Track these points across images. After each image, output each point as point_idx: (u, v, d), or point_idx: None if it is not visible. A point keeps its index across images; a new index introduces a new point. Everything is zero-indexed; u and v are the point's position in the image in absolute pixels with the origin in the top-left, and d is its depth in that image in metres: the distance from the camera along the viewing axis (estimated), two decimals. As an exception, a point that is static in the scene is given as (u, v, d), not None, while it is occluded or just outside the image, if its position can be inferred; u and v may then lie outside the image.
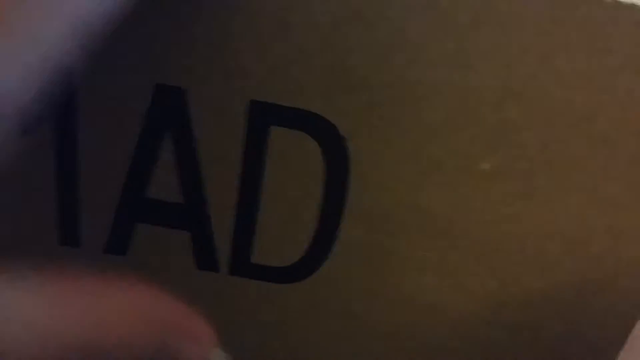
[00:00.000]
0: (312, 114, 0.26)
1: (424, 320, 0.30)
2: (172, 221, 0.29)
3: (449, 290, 0.30)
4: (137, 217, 0.29)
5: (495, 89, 0.25)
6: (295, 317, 0.31)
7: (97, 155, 0.28)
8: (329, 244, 0.29)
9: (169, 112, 0.26)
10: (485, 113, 0.26)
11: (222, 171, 0.28)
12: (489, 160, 0.26)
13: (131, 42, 0.25)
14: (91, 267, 0.30)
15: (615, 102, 0.25)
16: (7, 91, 0.17)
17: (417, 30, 0.24)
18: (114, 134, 0.27)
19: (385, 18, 0.24)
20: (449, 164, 0.27)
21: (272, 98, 0.26)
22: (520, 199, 0.27)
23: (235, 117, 0.26)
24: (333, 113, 0.26)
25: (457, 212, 0.28)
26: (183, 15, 0.25)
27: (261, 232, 0.29)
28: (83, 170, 0.28)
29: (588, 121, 0.25)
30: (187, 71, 0.25)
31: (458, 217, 0.28)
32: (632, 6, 0.23)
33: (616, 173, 0.26)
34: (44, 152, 0.28)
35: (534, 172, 0.26)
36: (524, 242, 0.28)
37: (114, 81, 0.26)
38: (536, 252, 0.28)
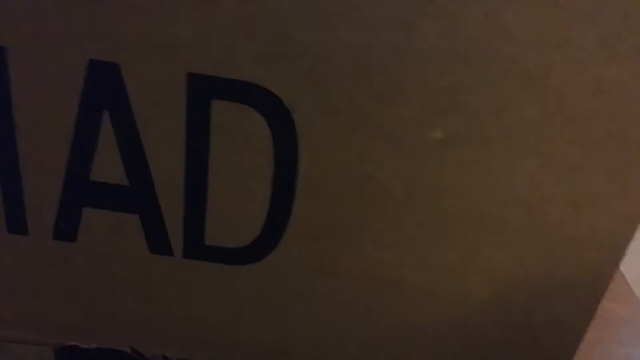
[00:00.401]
0: (253, 86, 0.25)
1: (386, 298, 0.29)
2: (119, 204, 0.28)
3: (409, 265, 0.28)
4: (83, 202, 0.28)
5: (441, 51, 0.24)
6: (253, 299, 0.30)
7: (36, 137, 0.27)
8: (283, 222, 0.28)
9: (105, 90, 0.25)
10: (432, 77, 0.24)
11: (166, 150, 0.27)
12: (441, 127, 0.25)
13: (61, 17, 0.24)
14: (40, 254, 0.30)
15: (568, 59, 0.23)
16: None
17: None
18: (50, 116, 0.26)
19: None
20: (400, 134, 0.26)
21: (210, 70, 0.25)
22: (476, 167, 0.26)
23: (174, 91, 0.25)
24: (275, 84, 0.25)
25: (412, 184, 0.27)
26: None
27: (213, 212, 0.28)
28: (23, 155, 0.27)
29: (540, 80, 0.24)
30: (120, 45, 0.24)
31: (413, 189, 0.27)
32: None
33: (573, 135, 0.25)
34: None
35: (488, 138, 0.25)
36: (482, 212, 0.27)
37: (46, 59, 0.25)
38: (495, 222, 0.27)
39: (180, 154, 0.27)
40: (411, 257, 0.28)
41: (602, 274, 0.27)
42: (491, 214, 0.27)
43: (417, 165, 0.26)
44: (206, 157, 0.27)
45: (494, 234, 0.27)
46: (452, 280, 0.28)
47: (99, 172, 0.27)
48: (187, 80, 0.25)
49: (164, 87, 0.25)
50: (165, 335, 0.32)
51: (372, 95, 0.25)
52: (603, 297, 0.28)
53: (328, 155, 0.26)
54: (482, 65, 0.24)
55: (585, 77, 0.24)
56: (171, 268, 0.30)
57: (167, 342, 0.32)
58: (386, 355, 0.31)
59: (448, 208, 0.27)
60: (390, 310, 0.30)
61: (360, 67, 0.24)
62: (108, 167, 0.27)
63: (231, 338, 0.31)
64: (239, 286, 0.30)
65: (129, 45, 0.24)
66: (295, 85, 0.25)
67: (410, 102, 0.25)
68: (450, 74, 0.24)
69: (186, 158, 0.27)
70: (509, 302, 0.29)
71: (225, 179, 0.27)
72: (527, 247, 0.27)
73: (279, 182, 0.27)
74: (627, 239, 0.26)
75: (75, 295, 0.31)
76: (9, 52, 0.25)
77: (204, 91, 0.25)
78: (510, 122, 0.25)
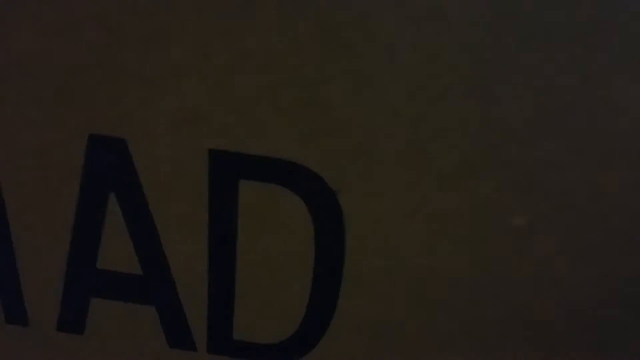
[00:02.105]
0: (289, 164, 0.21)
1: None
2: (131, 295, 0.24)
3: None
4: (90, 292, 0.24)
5: (517, 115, 0.19)
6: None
7: (31, 220, 0.23)
8: (326, 317, 0.24)
9: (110, 169, 0.21)
10: (512, 149, 0.19)
11: (186, 235, 0.22)
12: (522, 211, 0.20)
13: (54, 87, 0.20)
14: (43, 347, 0.26)
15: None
16: None
17: (408, 49, 0.19)
18: (47, 197, 0.22)
19: (370, 37, 0.18)
20: (469, 218, 0.21)
21: (236, 146, 0.20)
22: (568, 256, 0.21)
23: (193, 171, 0.21)
24: (315, 161, 0.20)
25: (487, 279, 0.22)
26: (112, 48, 0.19)
27: (243, 303, 0.24)
28: (18, 238, 0.23)
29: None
30: (125, 117, 0.20)
31: (489, 284, 0.22)
32: None
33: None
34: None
35: (583, 221, 0.20)
36: (577, 306, 0.22)
37: (39, 134, 0.21)
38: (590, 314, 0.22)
39: (203, 239, 0.22)
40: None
41: None
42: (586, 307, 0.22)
43: (494, 256, 0.21)
44: (233, 243, 0.22)
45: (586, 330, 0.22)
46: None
47: (108, 259, 0.23)
48: (209, 158, 0.20)
49: (180, 165, 0.21)
50: None
51: (433, 173, 0.20)
52: None
53: (380, 243, 0.21)
54: (576, 138, 0.19)
55: None
56: (194, 364, 0.25)
57: None
58: None
59: (533, 304, 0.22)
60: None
61: (417, 141, 0.20)
62: (118, 254, 0.23)
63: None
64: (273, 387, 0.25)
65: (135, 117, 0.20)
66: (339, 163, 0.20)
67: (482, 179, 0.20)
68: (532, 147, 0.19)
69: (209, 244, 0.22)
70: None
71: (257, 267, 0.23)
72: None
73: (321, 272, 0.23)
74: None
75: (84, 393, 0.26)
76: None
77: (229, 170, 0.21)
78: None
